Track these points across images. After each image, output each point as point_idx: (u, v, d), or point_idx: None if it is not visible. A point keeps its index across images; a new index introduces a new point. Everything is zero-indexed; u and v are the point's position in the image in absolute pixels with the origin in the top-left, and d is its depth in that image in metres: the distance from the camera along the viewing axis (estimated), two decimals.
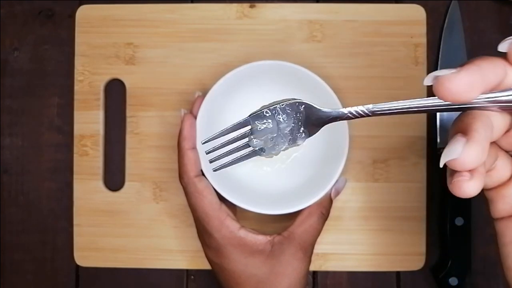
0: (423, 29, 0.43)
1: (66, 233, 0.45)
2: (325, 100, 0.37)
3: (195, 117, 0.37)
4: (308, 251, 0.37)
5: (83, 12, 0.44)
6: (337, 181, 0.37)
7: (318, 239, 0.38)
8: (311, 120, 0.29)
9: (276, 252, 0.36)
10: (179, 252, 0.44)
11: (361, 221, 0.43)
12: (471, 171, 0.21)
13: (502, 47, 0.22)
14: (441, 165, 0.22)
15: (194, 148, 0.36)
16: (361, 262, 0.44)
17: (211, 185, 0.36)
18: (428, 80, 0.21)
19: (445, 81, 0.20)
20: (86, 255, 0.44)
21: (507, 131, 0.24)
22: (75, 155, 0.44)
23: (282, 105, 0.29)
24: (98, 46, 0.44)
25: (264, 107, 0.29)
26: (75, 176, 0.44)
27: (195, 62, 0.44)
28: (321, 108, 0.28)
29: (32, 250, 0.45)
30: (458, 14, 0.44)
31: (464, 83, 0.20)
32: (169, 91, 0.44)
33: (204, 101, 0.37)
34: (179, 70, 0.44)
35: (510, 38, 0.22)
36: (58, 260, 0.45)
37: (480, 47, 0.44)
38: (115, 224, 0.44)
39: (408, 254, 0.43)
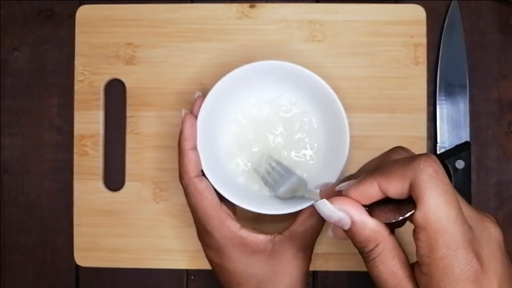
0: (423, 29, 0.43)
1: (66, 233, 0.45)
2: (325, 99, 0.37)
3: (196, 117, 0.37)
4: (308, 250, 0.37)
5: (83, 12, 0.44)
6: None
7: (318, 239, 0.38)
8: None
9: (277, 252, 0.36)
10: (179, 252, 0.44)
11: None
12: None
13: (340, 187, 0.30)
14: None
15: (194, 148, 0.36)
16: (361, 262, 0.43)
17: (212, 185, 0.36)
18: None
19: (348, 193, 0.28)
20: (86, 255, 0.44)
21: None
22: (75, 155, 0.44)
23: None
24: (98, 46, 0.44)
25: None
26: (75, 176, 0.44)
27: (195, 62, 0.44)
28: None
29: (32, 250, 0.45)
30: (458, 14, 0.44)
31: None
32: (169, 91, 0.44)
33: (204, 101, 0.37)
34: (179, 70, 0.44)
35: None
36: (58, 260, 0.45)
37: (480, 47, 0.44)
38: (115, 224, 0.44)
39: (408, 254, 0.43)
